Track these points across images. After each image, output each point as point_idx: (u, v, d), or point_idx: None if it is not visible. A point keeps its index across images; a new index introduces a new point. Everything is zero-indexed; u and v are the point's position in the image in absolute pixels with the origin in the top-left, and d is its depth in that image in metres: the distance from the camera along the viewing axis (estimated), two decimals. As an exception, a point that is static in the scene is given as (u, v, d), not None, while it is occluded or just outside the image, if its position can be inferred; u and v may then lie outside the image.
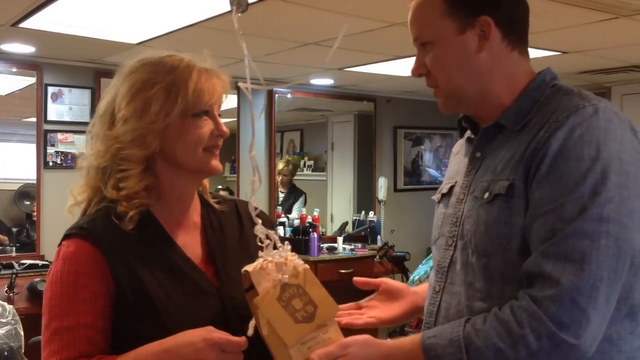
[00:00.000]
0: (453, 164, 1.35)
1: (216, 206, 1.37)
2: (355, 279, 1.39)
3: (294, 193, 5.85)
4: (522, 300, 1.04)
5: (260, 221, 1.15)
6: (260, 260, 1.13)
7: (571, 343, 0.99)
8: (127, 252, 1.19)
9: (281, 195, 5.82)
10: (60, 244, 1.21)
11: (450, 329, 1.10)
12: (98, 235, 1.18)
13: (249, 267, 1.13)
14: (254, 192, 1.16)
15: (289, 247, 1.17)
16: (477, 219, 1.15)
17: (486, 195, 1.14)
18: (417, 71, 1.23)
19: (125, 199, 1.20)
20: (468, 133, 1.31)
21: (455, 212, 1.23)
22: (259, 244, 1.14)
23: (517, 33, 1.19)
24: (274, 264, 1.12)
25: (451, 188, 1.28)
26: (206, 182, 1.38)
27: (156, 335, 1.12)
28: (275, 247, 1.15)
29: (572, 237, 1.02)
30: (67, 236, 1.20)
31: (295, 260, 1.15)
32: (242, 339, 1.08)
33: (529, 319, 1.01)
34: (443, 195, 1.31)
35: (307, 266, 1.16)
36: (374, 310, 1.38)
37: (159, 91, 1.20)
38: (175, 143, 1.22)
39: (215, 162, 1.26)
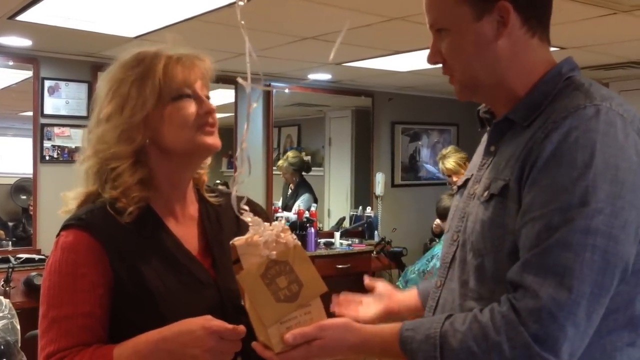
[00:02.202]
0: (475, 156, 1.29)
1: (212, 200, 1.38)
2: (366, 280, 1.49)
3: (297, 191, 5.79)
4: (503, 306, 1.00)
5: (247, 210, 1.13)
6: (250, 233, 1.11)
7: (547, 358, 0.95)
8: (126, 243, 1.19)
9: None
10: (58, 235, 1.21)
11: (429, 324, 1.07)
12: (96, 226, 1.19)
13: (236, 241, 1.11)
14: (237, 183, 1.12)
15: (284, 221, 1.16)
16: (475, 217, 1.13)
17: (485, 193, 1.11)
18: (432, 59, 1.18)
19: (123, 195, 1.21)
20: None
21: (464, 207, 1.19)
22: (250, 225, 1.13)
23: (538, 17, 1.12)
24: (263, 238, 1.10)
25: (467, 181, 1.24)
26: (205, 177, 1.38)
27: (154, 324, 1.13)
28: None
29: (556, 248, 0.97)
30: (65, 227, 1.21)
31: (288, 236, 1.13)
32: (241, 327, 1.09)
33: (506, 327, 0.97)
34: (459, 188, 1.28)
35: (298, 242, 1.13)
36: (355, 308, 1.41)
37: (132, 85, 1.22)
38: (161, 130, 1.22)
39: (210, 139, 1.25)
